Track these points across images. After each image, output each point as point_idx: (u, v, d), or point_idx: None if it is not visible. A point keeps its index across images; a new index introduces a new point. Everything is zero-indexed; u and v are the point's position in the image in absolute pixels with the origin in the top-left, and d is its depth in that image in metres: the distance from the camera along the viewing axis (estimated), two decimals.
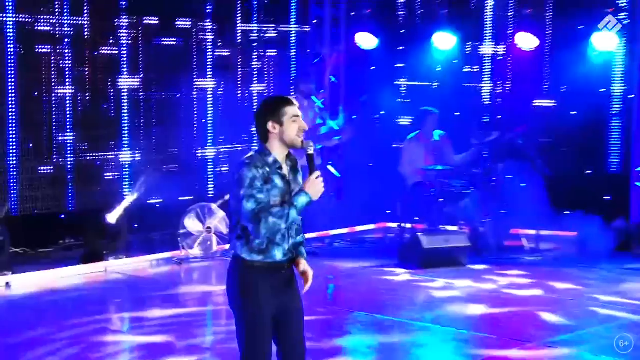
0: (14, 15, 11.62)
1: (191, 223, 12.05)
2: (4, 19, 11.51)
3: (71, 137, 12.27)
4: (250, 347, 5.34)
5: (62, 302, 10.25)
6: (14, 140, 11.73)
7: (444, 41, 14.04)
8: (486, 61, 14.24)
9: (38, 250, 12.02)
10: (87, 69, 12.62)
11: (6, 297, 10.46)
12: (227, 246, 11.79)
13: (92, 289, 10.87)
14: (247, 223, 5.18)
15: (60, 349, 8.48)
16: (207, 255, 12.13)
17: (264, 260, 5.29)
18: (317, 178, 5.26)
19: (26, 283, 10.92)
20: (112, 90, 12.75)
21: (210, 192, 13.35)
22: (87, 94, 12.60)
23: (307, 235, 12.14)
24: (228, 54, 13.81)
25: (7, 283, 10.69)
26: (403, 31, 14.78)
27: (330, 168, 13.94)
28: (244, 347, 5.36)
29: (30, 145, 12.10)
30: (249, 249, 5.27)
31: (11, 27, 11.56)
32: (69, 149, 12.21)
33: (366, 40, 14.41)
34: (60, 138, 12.24)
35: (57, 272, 11.22)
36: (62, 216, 12.26)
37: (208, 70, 13.45)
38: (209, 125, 13.39)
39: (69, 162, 12.29)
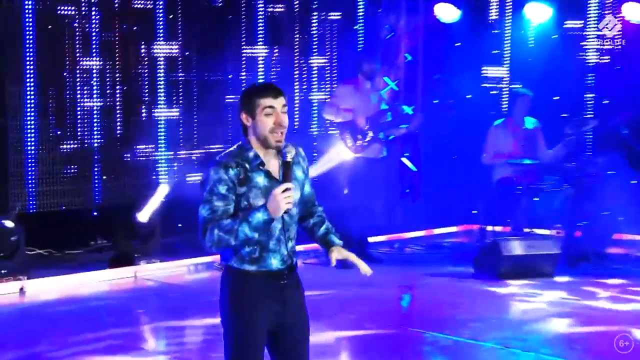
0: None
1: None
2: None
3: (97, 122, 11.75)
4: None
5: (79, 312, 9.69)
6: (32, 124, 11.21)
7: (538, 13, 13.44)
8: (589, 35, 13.56)
9: (64, 252, 11.56)
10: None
11: (17, 305, 10.00)
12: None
13: (117, 297, 10.42)
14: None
15: None
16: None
17: (258, 270, 5.04)
18: (283, 192, 4.88)
19: (44, 289, 10.46)
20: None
21: None
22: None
23: (375, 239, 12.47)
24: (282, 9, 13.10)
25: (21, 289, 10.21)
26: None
27: (405, 161, 13.42)
28: None
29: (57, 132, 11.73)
30: (238, 257, 5.01)
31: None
32: (95, 136, 11.80)
33: (447, 12, 13.77)
34: (86, 123, 11.69)
35: (80, 276, 10.72)
36: (95, 213, 11.92)
37: (259, 34, 12.81)
38: None
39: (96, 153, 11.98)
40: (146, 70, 12.16)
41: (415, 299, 10.65)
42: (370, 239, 12.01)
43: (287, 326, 5.17)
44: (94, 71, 11.68)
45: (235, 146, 5.11)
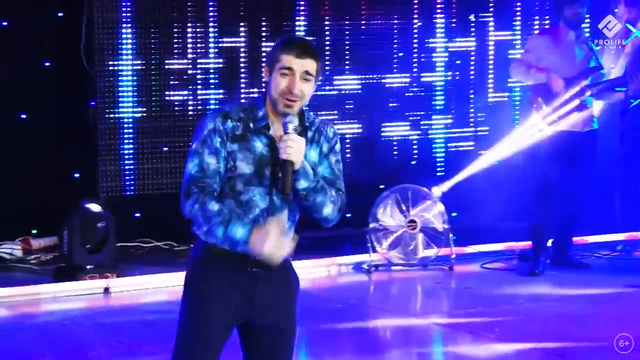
0: None
1: (387, 213, 10.19)
2: None
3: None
4: (187, 347, 5.07)
5: (160, 322, 8.62)
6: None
7: None
8: None
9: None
10: None
11: (93, 308, 9.20)
12: (438, 250, 10.29)
13: None
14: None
15: None
16: (409, 261, 10.05)
17: (218, 247, 4.80)
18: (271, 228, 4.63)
19: (134, 289, 9.81)
20: None
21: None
22: None
23: (585, 239, 11.21)
24: None
25: (106, 288, 9.45)
26: None
27: None
28: (175, 356, 5.02)
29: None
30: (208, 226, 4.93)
31: None
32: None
33: None
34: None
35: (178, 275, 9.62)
36: None
37: None
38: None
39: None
40: None
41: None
42: (576, 239, 10.63)
43: (257, 328, 4.96)
44: None
45: (249, 101, 5.30)
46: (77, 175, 10.66)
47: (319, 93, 11.29)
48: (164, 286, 9.87)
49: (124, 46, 10.67)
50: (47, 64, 10.44)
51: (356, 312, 9.25)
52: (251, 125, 4.71)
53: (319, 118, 4.92)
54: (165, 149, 10.73)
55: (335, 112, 11.70)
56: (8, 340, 8.30)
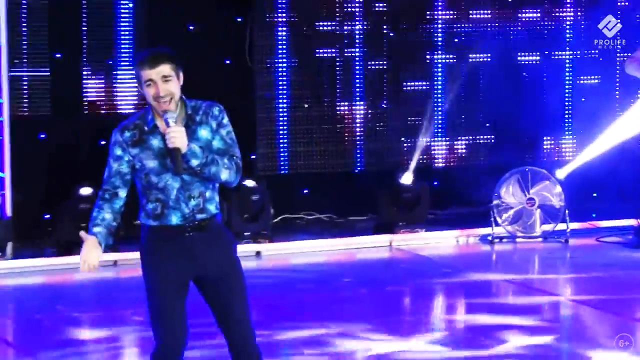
0: None
1: (509, 192, 11.16)
2: None
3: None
4: (153, 318, 5.92)
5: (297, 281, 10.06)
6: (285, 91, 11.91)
7: None
8: None
9: (347, 218, 11.95)
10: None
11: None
12: (554, 226, 11.17)
13: (347, 266, 10.65)
14: None
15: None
16: (528, 234, 11.07)
17: (160, 225, 5.81)
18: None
19: (283, 254, 10.91)
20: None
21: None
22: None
23: None
24: None
25: (258, 252, 10.72)
26: None
27: None
28: (150, 317, 5.95)
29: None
30: (144, 214, 5.79)
31: None
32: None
33: None
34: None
35: (317, 243, 11.04)
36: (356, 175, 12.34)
37: None
38: None
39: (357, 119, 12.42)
40: None
41: None
42: None
43: (206, 279, 5.74)
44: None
45: (142, 110, 5.81)
46: (253, 157, 11.64)
47: None
48: (318, 250, 10.99)
49: (279, 45, 12.04)
50: (227, 61, 11.84)
51: (467, 273, 10.16)
52: (145, 128, 5.54)
53: (205, 102, 5.72)
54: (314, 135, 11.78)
55: None
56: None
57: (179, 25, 11.93)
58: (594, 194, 12.41)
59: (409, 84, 12.94)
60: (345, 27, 12.67)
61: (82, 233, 5.69)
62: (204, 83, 10.94)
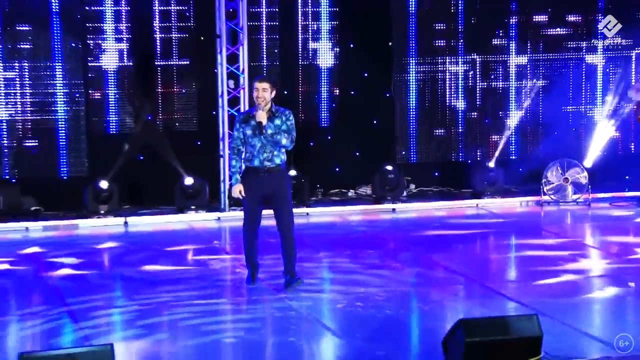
0: None
1: (552, 174, 14.77)
2: None
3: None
4: (244, 212, 10.05)
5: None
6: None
7: None
8: None
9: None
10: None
11: (377, 224, 13.82)
12: (581, 195, 14.61)
13: (445, 218, 14.11)
14: None
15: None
16: (564, 201, 14.78)
17: (250, 166, 9.78)
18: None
19: (411, 214, 14.62)
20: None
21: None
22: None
23: None
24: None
25: (393, 209, 14.53)
26: None
27: None
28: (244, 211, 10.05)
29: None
30: (244, 160, 9.82)
31: None
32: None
33: None
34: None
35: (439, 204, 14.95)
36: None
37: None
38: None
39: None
40: None
41: None
42: None
43: (271, 197, 9.81)
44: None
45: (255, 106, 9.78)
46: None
47: None
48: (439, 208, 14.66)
49: None
50: None
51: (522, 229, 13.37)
52: (250, 114, 9.67)
53: (284, 108, 9.73)
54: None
55: None
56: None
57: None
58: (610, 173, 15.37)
59: None
60: None
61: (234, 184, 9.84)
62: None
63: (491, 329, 7.55)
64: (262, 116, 9.64)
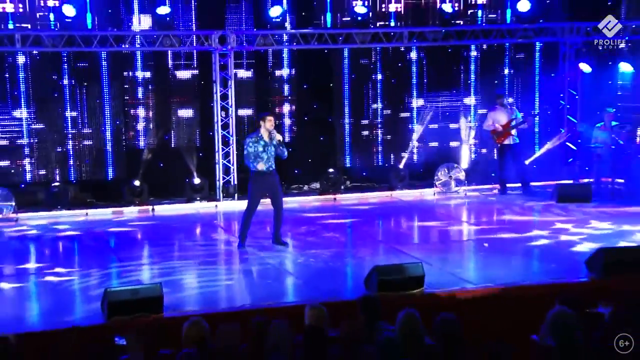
0: None
1: (441, 173, 14.98)
2: None
3: None
4: (247, 204, 10.25)
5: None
6: None
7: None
8: None
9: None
10: None
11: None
12: (460, 188, 14.70)
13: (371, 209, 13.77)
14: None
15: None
16: (449, 192, 14.85)
17: (257, 170, 9.96)
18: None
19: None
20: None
21: None
22: None
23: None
24: None
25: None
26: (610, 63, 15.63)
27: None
28: (247, 204, 10.30)
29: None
30: (253, 166, 9.94)
31: None
32: None
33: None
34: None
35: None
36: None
37: None
38: None
39: None
40: None
41: None
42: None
43: (271, 190, 10.18)
44: None
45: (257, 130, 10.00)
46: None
47: None
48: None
49: None
50: None
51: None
52: (259, 137, 9.88)
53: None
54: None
55: None
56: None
57: None
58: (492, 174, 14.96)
59: None
60: None
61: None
62: None
63: (393, 272, 8.47)
64: (277, 135, 10.20)
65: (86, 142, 14.40)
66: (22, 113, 13.78)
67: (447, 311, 5.79)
